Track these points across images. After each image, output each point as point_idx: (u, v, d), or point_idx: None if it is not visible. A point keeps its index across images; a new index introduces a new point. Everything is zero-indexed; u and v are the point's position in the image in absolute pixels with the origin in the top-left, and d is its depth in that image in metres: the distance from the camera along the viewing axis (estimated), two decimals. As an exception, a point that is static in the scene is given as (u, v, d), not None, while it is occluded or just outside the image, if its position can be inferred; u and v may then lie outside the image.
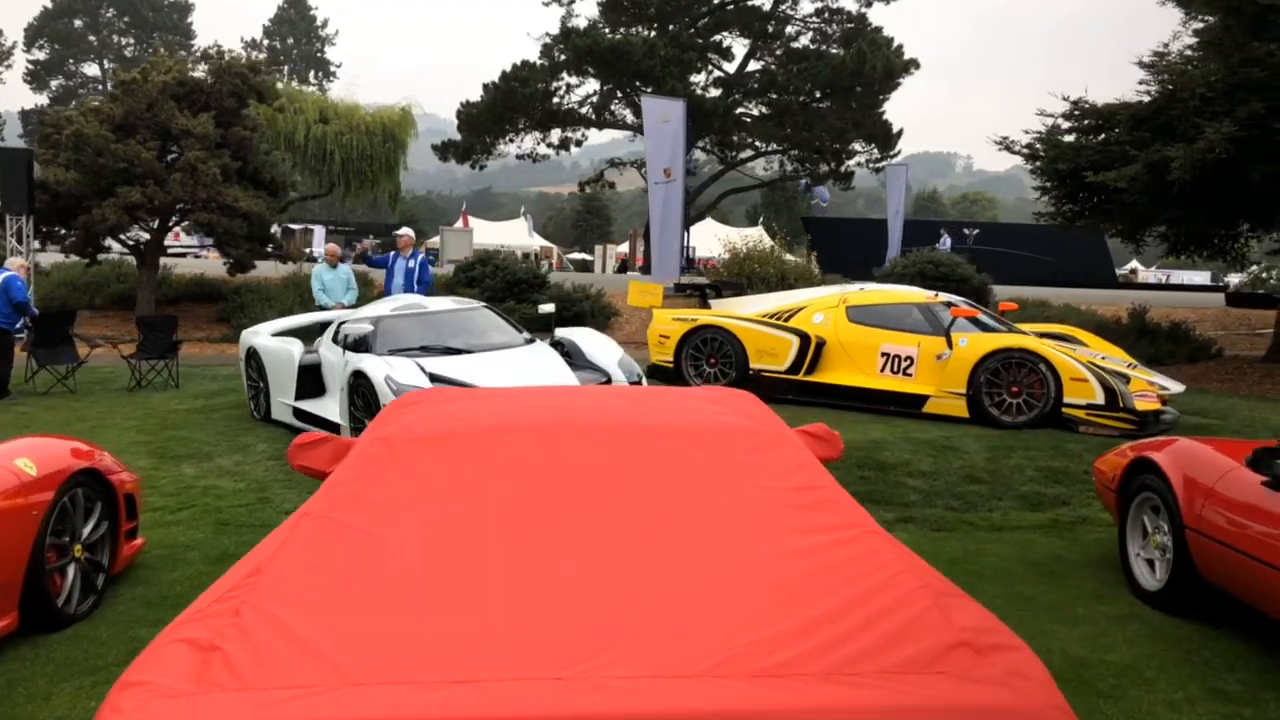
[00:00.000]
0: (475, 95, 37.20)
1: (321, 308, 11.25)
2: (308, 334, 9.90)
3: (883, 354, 9.28)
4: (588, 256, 66.88)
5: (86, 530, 4.42)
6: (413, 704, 1.61)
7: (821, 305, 9.89)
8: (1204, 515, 4.38)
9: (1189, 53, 14.07)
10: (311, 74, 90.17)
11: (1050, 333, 9.95)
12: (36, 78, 78.61)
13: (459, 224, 64.64)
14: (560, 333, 8.62)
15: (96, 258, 17.96)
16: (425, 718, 1.58)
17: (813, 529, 2.32)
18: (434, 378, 7.32)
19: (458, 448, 2.61)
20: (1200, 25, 14.29)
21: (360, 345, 8.09)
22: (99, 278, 19.23)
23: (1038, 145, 14.74)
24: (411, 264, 11.17)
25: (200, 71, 17.39)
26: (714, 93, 38.78)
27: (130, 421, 9.22)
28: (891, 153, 41.05)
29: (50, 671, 3.78)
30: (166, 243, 31.60)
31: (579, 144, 42.77)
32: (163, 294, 19.60)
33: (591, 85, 37.15)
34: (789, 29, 40.65)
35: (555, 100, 36.43)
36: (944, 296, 9.83)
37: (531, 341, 8.45)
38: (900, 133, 41.00)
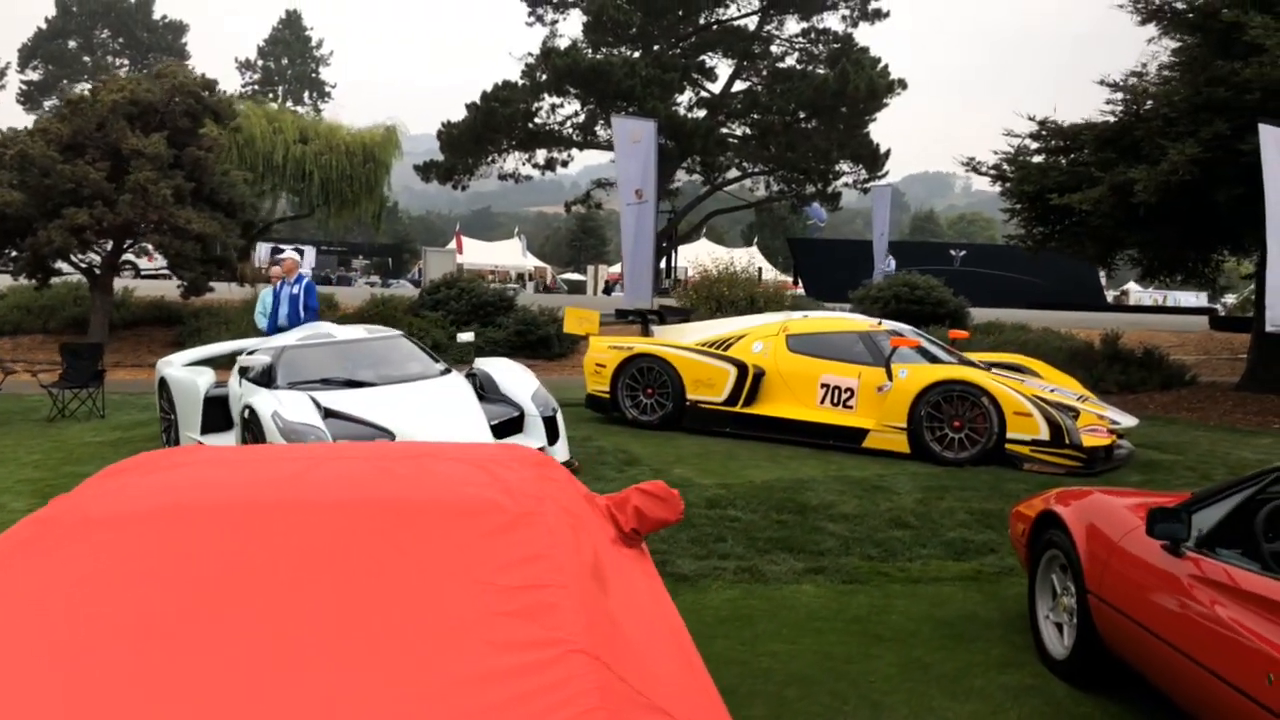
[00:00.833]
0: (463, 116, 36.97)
1: (262, 332, 10.80)
2: (232, 363, 9.49)
3: (822, 385, 8.85)
4: (581, 276, 66.67)
5: None
6: None
7: (762, 334, 9.46)
8: (1106, 579, 3.94)
9: (1167, 74, 13.72)
10: (306, 94, 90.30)
11: (1001, 362, 9.52)
12: (30, 98, 78.62)
13: (452, 244, 64.45)
14: (479, 363, 8.20)
15: (48, 281, 17.56)
16: None
17: (512, 645, 1.88)
18: (329, 413, 6.90)
19: (129, 533, 2.18)
20: (1177, 45, 13.95)
21: (264, 377, 7.68)
22: (54, 301, 18.83)
23: (1005, 166, 14.36)
24: (295, 289, 10.26)
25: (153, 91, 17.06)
26: (698, 114, 38.54)
27: (34, 456, 8.78)
28: (879, 173, 40.78)
29: None
30: (143, 266, 31.10)
31: (565, 164, 42.53)
32: (121, 317, 19.21)
33: (575, 105, 36.92)
34: (775, 49, 40.47)
35: (536, 120, 36.18)
36: (887, 324, 9.40)
37: (447, 372, 8.03)
38: (888, 153, 40.74)
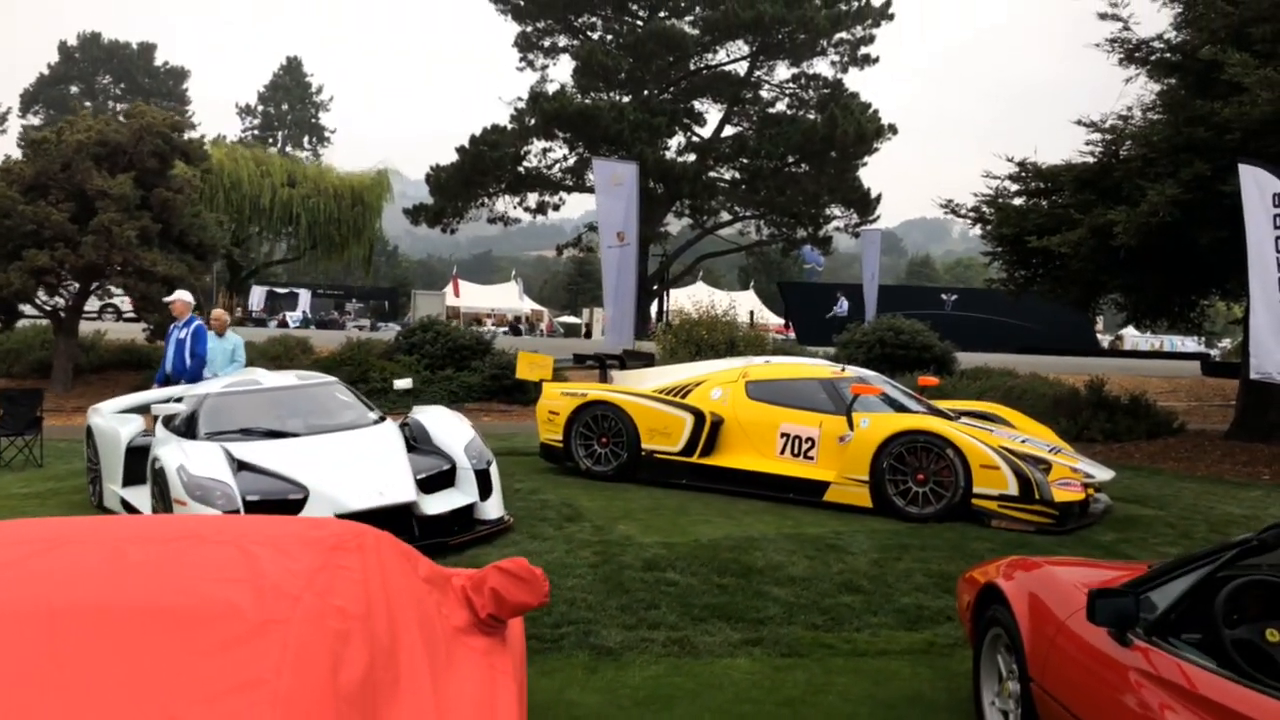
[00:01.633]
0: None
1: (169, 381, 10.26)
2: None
3: (782, 434, 8.38)
4: (577, 319, 66.40)
5: None
6: None
7: (721, 380, 9.02)
8: (1049, 667, 3.46)
9: (1150, 115, 13.44)
10: (306, 139, 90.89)
11: (972, 411, 9.06)
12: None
13: (448, 288, 64.30)
14: (415, 411, 7.76)
15: (11, 324, 17.20)
16: None
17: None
18: (243, 465, 6.46)
19: None
20: (1159, 89, 13.69)
21: (186, 426, 7.25)
22: (20, 344, 18.44)
23: (984, 209, 14.03)
24: (183, 334, 9.53)
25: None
26: (688, 158, 38.49)
27: (-51, 508, 8.30)
28: (871, 217, 40.65)
29: None
30: (125, 308, 30.75)
31: (556, 208, 42.44)
32: (90, 361, 18.81)
33: (564, 149, 36.87)
34: (765, 94, 40.54)
35: (526, 164, 36.09)
36: (851, 370, 8.96)
37: (382, 421, 7.60)
38: (879, 197, 40.65)
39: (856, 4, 37.97)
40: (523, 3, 37.93)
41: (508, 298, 67.03)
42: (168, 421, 7.50)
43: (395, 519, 6.33)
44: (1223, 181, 10.61)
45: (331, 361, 18.06)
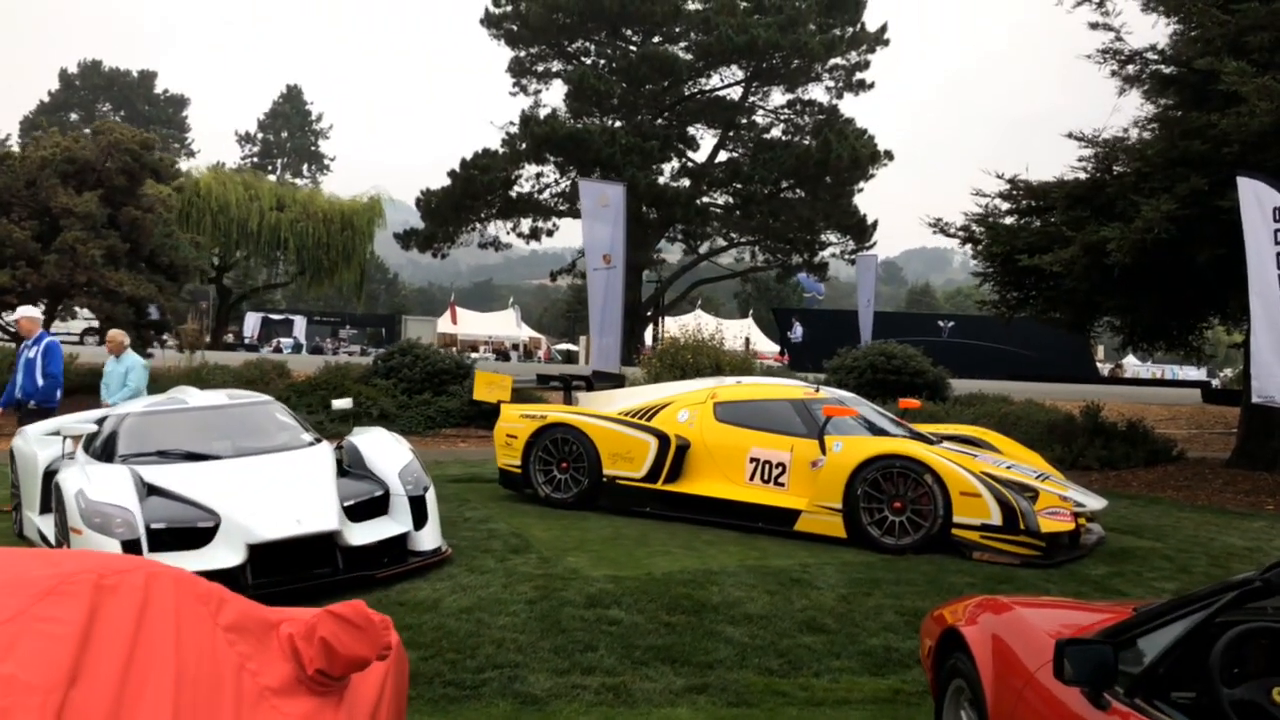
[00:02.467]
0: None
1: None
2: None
3: (751, 459, 7.83)
4: (574, 347, 65.96)
5: None
6: None
7: (689, 401, 8.48)
8: (1015, 727, 2.90)
9: (1144, 133, 12.99)
10: (305, 167, 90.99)
11: (955, 435, 8.50)
12: (27, 169, 78.98)
13: (446, 314, 64.05)
14: (355, 433, 7.23)
15: (-26, 345, 16.70)
16: None
17: None
18: (154, 490, 5.91)
19: None
20: (1155, 110, 13.24)
21: (105, 449, 6.72)
22: (-15, 366, 17.93)
23: (974, 227, 13.54)
24: (32, 352, 8.86)
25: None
26: (682, 182, 38.17)
27: None
28: (867, 244, 40.25)
29: None
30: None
31: (549, 234, 42.06)
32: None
33: (555, 174, 36.55)
34: (759, 120, 40.29)
35: (517, 189, 35.77)
36: (826, 391, 8.42)
37: (318, 443, 7.06)
38: (875, 224, 40.28)
39: (851, 29, 37.80)
40: (516, 28, 37.78)
41: (505, 325, 66.88)
42: (89, 444, 6.97)
43: (316, 550, 5.79)
44: (1221, 196, 10.12)
45: (306, 385, 17.52)
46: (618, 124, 36.74)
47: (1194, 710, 2.40)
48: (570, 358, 60.05)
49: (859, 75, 38.84)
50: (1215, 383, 37.34)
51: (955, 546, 6.89)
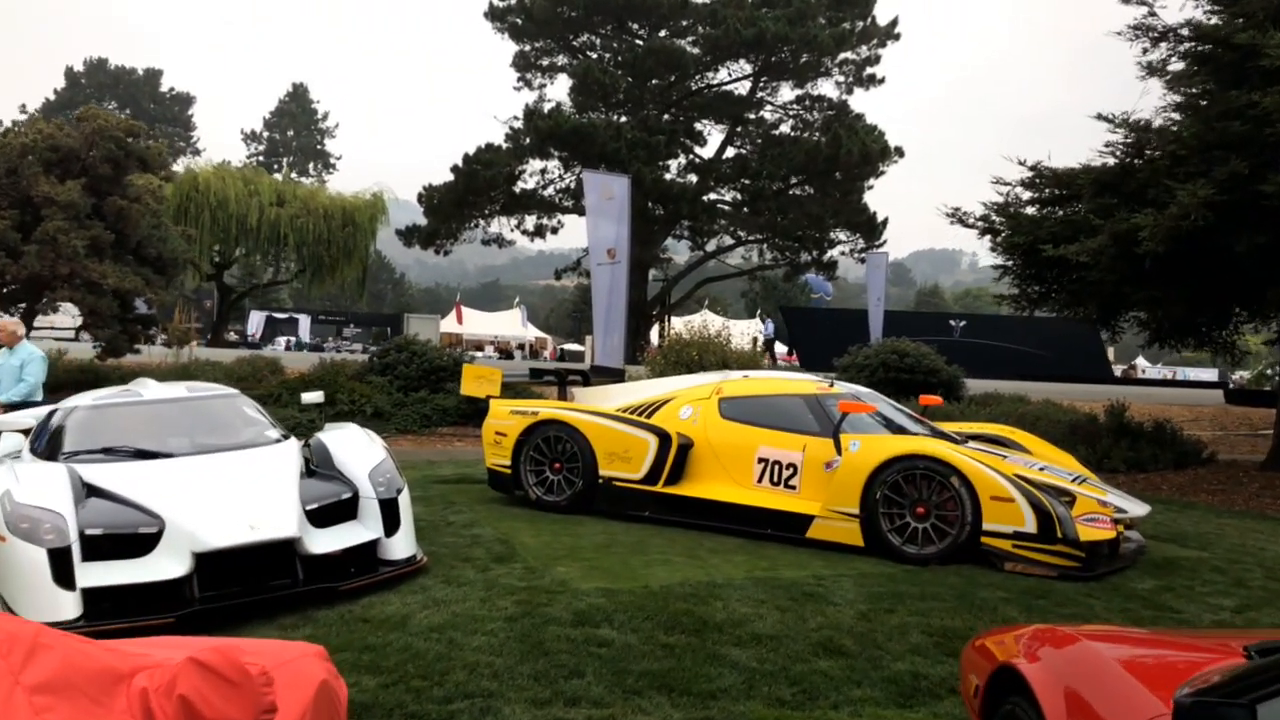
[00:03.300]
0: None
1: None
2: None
3: (760, 460, 7.20)
4: (580, 347, 65.41)
5: None
6: None
7: (692, 397, 7.85)
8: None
9: (1176, 116, 12.29)
10: (311, 165, 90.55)
11: (982, 434, 7.86)
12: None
13: (451, 314, 63.65)
14: (326, 429, 6.61)
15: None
16: None
17: None
18: (95, 491, 5.31)
19: None
20: (1184, 95, 12.56)
21: (49, 444, 6.13)
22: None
23: (994, 218, 12.88)
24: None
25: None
26: (689, 178, 37.52)
27: None
28: (877, 242, 39.55)
29: None
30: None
31: (554, 231, 41.44)
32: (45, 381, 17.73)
33: (559, 169, 35.94)
34: (768, 116, 39.61)
35: (521, 184, 35.15)
36: (841, 386, 7.78)
37: (285, 439, 6.44)
38: (885, 222, 39.57)
39: (862, 23, 37.10)
40: (521, 21, 37.18)
41: (511, 325, 66.54)
42: (33, 441, 6.38)
43: (273, 559, 5.17)
44: (1261, 180, 9.47)
45: (299, 383, 16.95)
46: (623, 119, 36.10)
47: None
48: (577, 358, 59.48)
49: (869, 70, 38.16)
50: (1231, 383, 36.54)
51: (985, 556, 6.25)
